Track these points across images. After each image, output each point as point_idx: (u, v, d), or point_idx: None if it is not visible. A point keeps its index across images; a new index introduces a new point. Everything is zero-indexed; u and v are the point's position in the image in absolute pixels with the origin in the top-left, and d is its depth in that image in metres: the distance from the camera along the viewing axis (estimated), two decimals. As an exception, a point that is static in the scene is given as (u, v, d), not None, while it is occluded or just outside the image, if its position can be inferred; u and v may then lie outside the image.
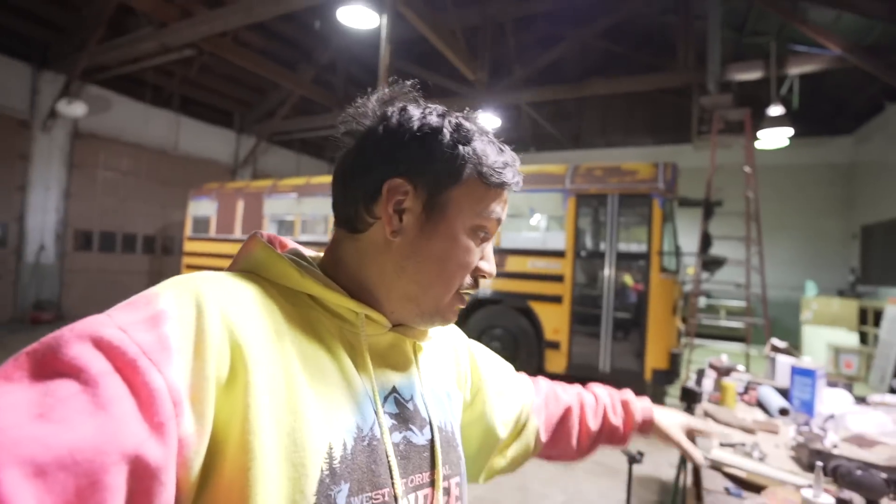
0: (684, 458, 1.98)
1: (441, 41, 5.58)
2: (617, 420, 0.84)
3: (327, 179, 6.63)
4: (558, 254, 4.95)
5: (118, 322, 0.35)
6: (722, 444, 1.48)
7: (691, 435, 0.90)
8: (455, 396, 0.63)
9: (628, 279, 4.82)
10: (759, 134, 6.26)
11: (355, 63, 9.38)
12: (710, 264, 5.12)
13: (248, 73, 9.08)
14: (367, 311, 0.50)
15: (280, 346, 0.42)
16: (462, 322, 5.35)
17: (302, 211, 6.54)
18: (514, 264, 5.13)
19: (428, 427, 0.53)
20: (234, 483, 0.37)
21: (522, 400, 0.76)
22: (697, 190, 6.09)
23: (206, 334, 0.37)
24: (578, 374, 4.84)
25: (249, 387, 0.38)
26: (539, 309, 4.98)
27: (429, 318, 0.52)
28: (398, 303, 0.51)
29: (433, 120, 0.50)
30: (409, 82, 0.54)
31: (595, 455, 0.88)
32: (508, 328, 5.14)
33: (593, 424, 0.82)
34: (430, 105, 0.52)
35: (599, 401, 0.85)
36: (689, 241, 6.33)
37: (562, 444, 0.81)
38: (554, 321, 4.91)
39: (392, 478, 0.46)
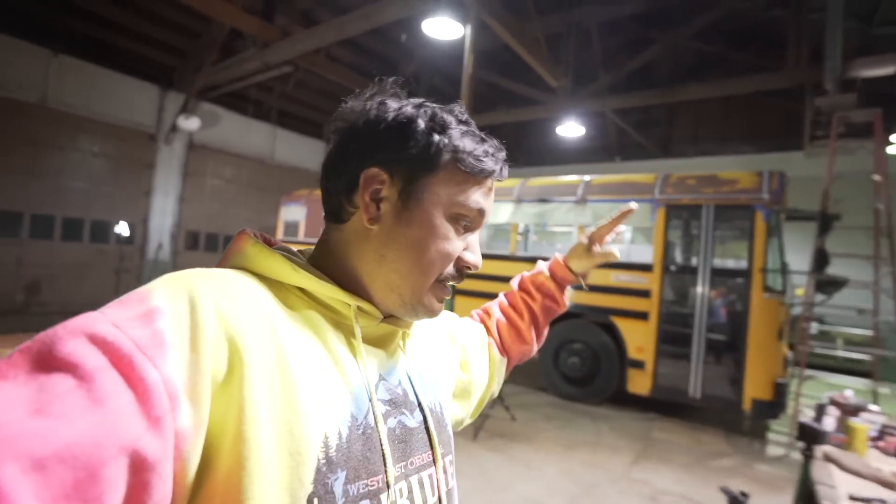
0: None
1: (524, 49, 5.52)
2: (537, 304, 0.87)
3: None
4: (645, 267, 4.65)
5: (112, 319, 0.35)
6: (853, 499, 1.26)
7: (596, 242, 0.87)
8: (443, 377, 0.65)
9: (714, 293, 4.43)
10: (894, 137, 5.45)
11: (438, 74, 9.60)
12: (827, 285, 4.51)
13: (337, 86, 9.63)
14: (360, 302, 0.50)
15: (273, 338, 0.43)
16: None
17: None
18: (596, 277, 4.88)
19: (418, 409, 0.54)
20: (233, 474, 0.37)
21: (485, 342, 0.81)
22: (810, 202, 5.43)
23: (200, 329, 0.38)
24: (664, 397, 4.49)
25: (245, 379, 0.39)
26: (622, 325, 4.70)
27: (412, 310, 0.52)
28: (382, 292, 0.52)
29: (408, 110, 0.51)
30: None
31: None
32: (589, 343, 4.91)
33: (523, 324, 0.86)
34: (409, 99, 0.53)
35: (517, 299, 0.88)
36: (799, 259, 5.65)
37: (515, 352, 0.85)
38: (638, 339, 4.61)
39: (385, 463, 0.47)
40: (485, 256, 5.83)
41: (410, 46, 8.87)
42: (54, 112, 7.45)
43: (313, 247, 0.57)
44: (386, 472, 0.47)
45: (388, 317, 0.54)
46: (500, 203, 5.66)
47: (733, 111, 9.72)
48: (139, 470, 0.32)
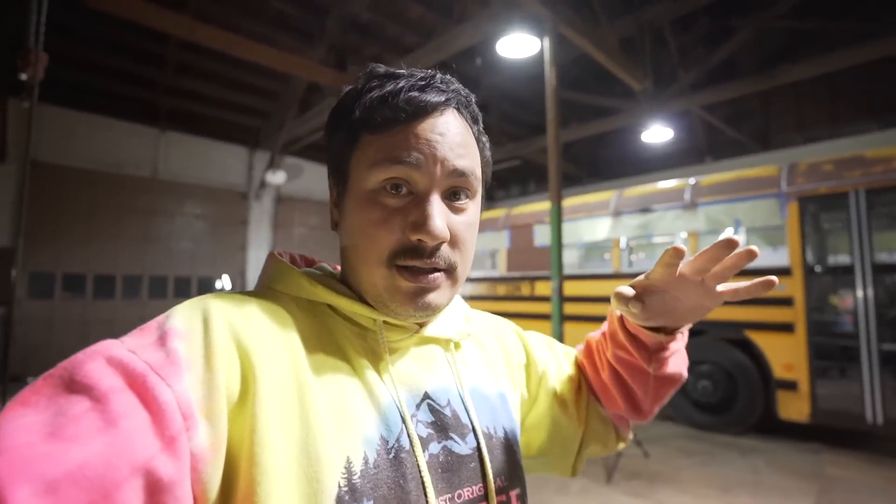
0: None
1: (604, 55, 5.25)
2: (609, 353, 0.62)
3: (495, 214, 6.63)
4: (781, 271, 4.02)
5: (129, 345, 0.35)
6: None
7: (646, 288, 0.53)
8: (511, 396, 0.57)
9: (835, 299, 3.74)
10: None
11: (507, 100, 9.53)
12: None
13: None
14: (385, 316, 0.46)
15: (292, 357, 0.41)
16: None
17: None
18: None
19: (471, 434, 0.48)
20: (248, 499, 0.35)
21: (579, 384, 0.67)
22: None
23: (214, 346, 0.36)
24: (831, 423, 3.76)
25: (258, 398, 0.37)
26: (762, 340, 4.07)
27: (383, 305, 0.46)
28: (364, 295, 0.47)
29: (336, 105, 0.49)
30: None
31: None
32: (720, 363, 4.30)
33: (604, 376, 0.64)
34: None
35: (595, 344, 0.67)
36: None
37: (611, 410, 0.66)
38: (785, 355, 3.95)
39: (426, 494, 0.41)
40: (585, 277, 5.49)
41: (475, 76, 8.91)
42: (163, 183, 8.26)
43: None
44: (427, 502, 0.41)
45: (423, 328, 0.50)
46: (597, 219, 5.30)
47: (842, 88, 8.64)
48: (154, 491, 0.30)
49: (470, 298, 6.52)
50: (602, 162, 11.68)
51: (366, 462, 0.39)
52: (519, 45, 4.71)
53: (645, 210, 4.94)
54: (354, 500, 0.37)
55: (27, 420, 0.29)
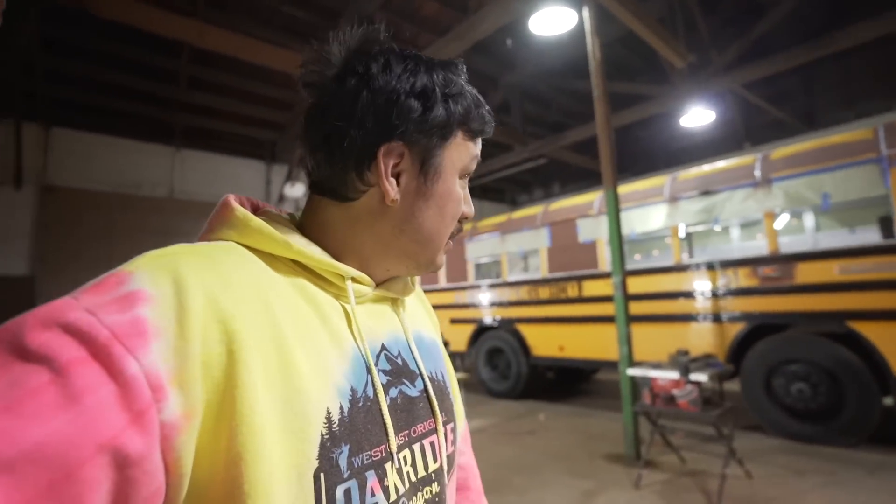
0: None
1: (646, 28, 4.77)
2: None
3: (531, 211, 6.14)
4: (890, 250, 3.43)
5: (86, 304, 0.32)
6: None
7: None
8: (441, 346, 0.63)
9: None
10: None
11: (527, 98, 9.09)
12: None
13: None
14: (354, 273, 0.48)
15: (268, 315, 0.39)
16: (737, 358, 4.07)
17: (507, 249, 6.12)
18: (809, 273, 3.74)
19: (419, 378, 0.53)
20: (237, 460, 0.34)
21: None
22: None
23: (188, 314, 0.34)
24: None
25: (240, 361, 0.36)
26: (873, 332, 3.45)
27: (424, 269, 0.53)
28: (394, 261, 0.51)
29: (423, 79, 0.47)
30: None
31: None
32: (818, 362, 3.67)
33: None
34: (410, 56, 0.49)
35: None
36: None
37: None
38: (904, 350, 3.33)
39: (387, 435, 0.45)
40: (644, 272, 4.91)
41: (495, 73, 8.52)
42: (179, 202, 8.00)
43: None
44: (388, 442, 0.45)
45: (380, 284, 0.53)
46: (650, 207, 4.76)
47: (894, 55, 7.98)
48: (122, 467, 0.29)
49: (509, 304, 6.01)
50: (629, 156, 11.13)
51: (342, 412, 0.41)
52: (554, 19, 4.27)
53: (707, 193, 4.39)
54: (335, 445, 0.40)
55: None
